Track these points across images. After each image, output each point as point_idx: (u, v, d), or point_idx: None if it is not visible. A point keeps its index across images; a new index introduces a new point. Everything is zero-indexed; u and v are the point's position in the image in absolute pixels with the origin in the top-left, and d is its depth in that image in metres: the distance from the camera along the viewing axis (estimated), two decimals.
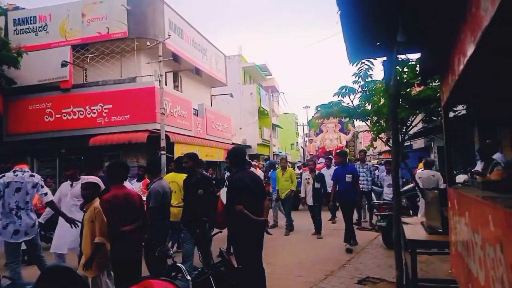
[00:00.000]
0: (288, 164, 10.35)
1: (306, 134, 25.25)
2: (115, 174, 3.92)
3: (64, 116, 13.74)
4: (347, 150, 18.54)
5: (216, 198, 5.44)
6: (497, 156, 5.90)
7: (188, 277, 2.91)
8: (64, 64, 13.55)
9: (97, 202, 3.85)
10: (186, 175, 5.23)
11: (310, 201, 8.63)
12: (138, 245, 3.96)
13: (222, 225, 5.95)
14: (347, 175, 7.11)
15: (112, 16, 14.00)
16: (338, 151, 7.55)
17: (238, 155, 4.46)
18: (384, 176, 9.43)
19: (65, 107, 13.73)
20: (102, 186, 4.00)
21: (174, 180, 5.97)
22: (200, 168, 5.42)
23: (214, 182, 5.75)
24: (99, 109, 13.47)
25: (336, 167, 7.94)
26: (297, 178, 10.12)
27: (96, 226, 3.77)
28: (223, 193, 5.67)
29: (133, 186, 7.04)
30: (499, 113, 9.16)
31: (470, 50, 1.62)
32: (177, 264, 3.09)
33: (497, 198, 1.54)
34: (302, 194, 8.91)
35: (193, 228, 4.57)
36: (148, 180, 7.49)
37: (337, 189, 7.39)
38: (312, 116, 19.97)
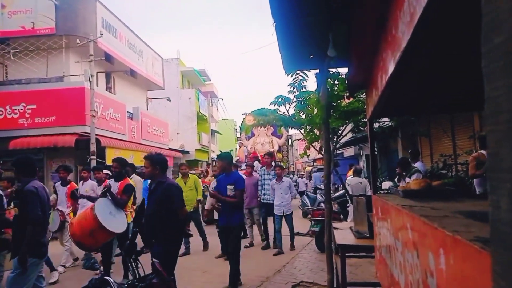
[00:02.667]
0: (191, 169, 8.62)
1: (236, 138, 23.02)
2: None
3: None
4: (280, 155, 17.71)
5: (34, 219, 3.64)
6: (417, 165, 6.45)
7: None
8: None
9: None
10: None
11: None
12: None
13: (90, 249, 5.06)
14: (228, 187, 5.05)
15: (38, 11, 12.98)
16: (220, 154, 5.76)
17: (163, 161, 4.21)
18: (274, 184, 7.55)
19: None
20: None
21: None
22: (22, 176, 3.80)
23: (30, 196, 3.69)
24: (22, 109, 12.35)
25: (220, 175, 5.75)
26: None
27: None
28: (98, 205, 4.66)
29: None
30: (419, 125, 10.05)
31: (391, 69, 1.74)
32: (105, 277, 2.90)
33: (415, 207, 1.66)
34: (207, 206, 7.43)
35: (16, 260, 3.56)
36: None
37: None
38: (243, 119, 18.99)
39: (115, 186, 5.50)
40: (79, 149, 11.98)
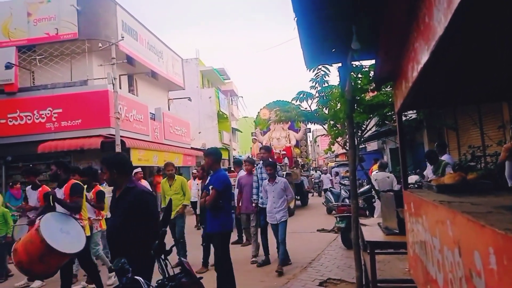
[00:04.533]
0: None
1: (252, 133, 21.36)
2: None
3: (10, 121, 12.87)
4: (298, 150, 16.44)
5: None
6: (445, 157, 6.27)
7: None
8: (8, 66, 12.69)
9: None
10: None
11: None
12: None
13: (40, 276, 4.29)
14: (210, 188, 4.60)
15: (61, 17, 13.34)
16: (207, 149, 5.12)
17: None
18: (267, 185, 6.27)
19: (11, 111, 12.86)
20: None
21: None
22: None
23: None
24: (48, 113, 12.75)
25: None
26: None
27: None
28: (45, 223, 3.90)
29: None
30: (445, 117, 9.75)
31: (424, 59, 1.67)
32: (135, 277, 2.94)
33: (453, 203, 1.59)
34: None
35: None
36: (99, 187, 6.05)
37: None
38: (257, 113, 17.52)
39: (60, 193, 4.83)
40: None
